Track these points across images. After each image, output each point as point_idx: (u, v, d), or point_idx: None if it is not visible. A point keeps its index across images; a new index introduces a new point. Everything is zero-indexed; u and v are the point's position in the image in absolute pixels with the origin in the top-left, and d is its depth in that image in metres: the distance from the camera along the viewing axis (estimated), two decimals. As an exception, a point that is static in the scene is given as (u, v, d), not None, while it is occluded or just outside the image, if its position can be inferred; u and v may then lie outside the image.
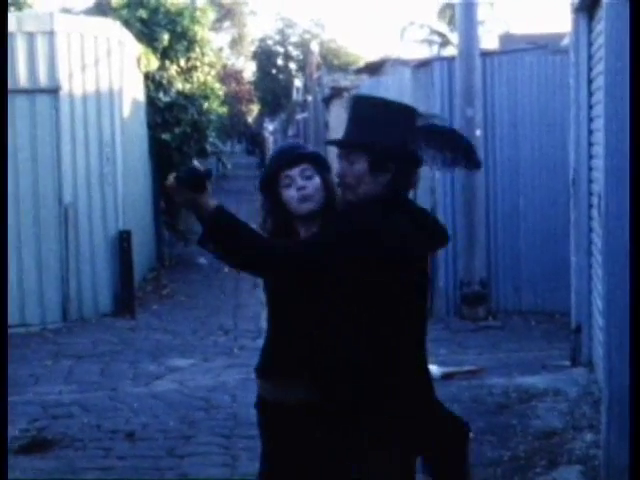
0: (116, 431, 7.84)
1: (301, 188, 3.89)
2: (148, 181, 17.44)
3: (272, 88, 69.83)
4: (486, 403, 8.21)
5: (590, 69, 8.69)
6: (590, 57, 8.69)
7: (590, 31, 8.69)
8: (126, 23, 16.38)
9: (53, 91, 12.81)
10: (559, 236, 12.42)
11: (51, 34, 12.75)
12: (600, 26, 7.08)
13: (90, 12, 19.29)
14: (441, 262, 13.42)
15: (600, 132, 6.65)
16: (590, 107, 8.69)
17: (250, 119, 72.56)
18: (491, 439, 7.16)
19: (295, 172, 3.93)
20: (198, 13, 19.07)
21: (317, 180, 3.91)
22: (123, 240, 13.47)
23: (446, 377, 9.28)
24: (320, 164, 3.98)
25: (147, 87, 17.18)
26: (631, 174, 5.03)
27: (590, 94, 8.68)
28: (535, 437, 7.10)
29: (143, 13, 17.54)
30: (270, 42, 72.26)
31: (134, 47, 15.80)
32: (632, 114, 4.96)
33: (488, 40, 37.06)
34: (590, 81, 8.68)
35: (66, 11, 21.84)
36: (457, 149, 3.84)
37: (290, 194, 3.91)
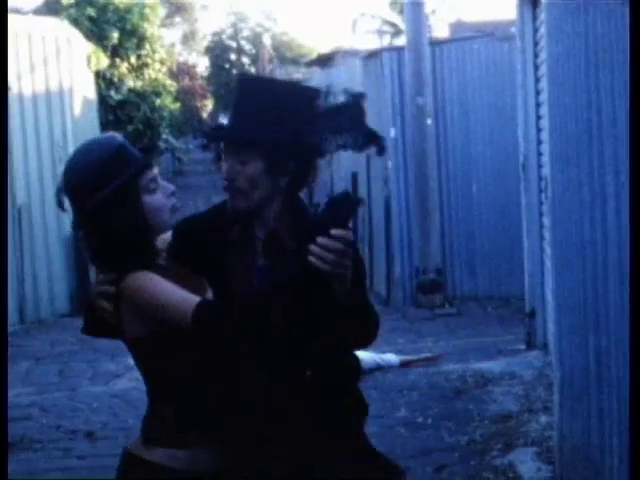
0: (76, 431, 7.83)
1: (172, 194, 3.09)
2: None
3: (225, 82, 69.63)
4: (443, 389, 8.29)
5: (536, 55, 8.78)
6: (536, 44, 8.79)
7: (535, 18, 8.78)
8: (75, 22, 16.32)
9: (2, 92, 12.73)
10: (513, 221, 12.52)
11: (-2, 35, 12.67)
12: (544, 13, 7.16)
13: (40, 11, 19.17)
14: (396, 251, 13.49)
15: (547, 118, 6.72)
16: (537, 93, 8.79)
17: (205, 114, 72.35)
18: (448, 424, 7.23)
19: (157, 173, 3.11)
20: (147, 10, 19.03)
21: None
22: (78, 240, 13.41)
23: (404, 365, 9.36)
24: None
25: (98, 85, 17.11)
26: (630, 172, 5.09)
27: (537, 80, 8.77)
28: (492, 421, 7.18)
29: (92, 11, 17.48)
30: (223, 37, 72.04)
31: (83, 46, 15.72)
32: (631, 109, 5.02)
33: (440, 29, 37.18)
34: (536, 67, 8.78)
35: (16, 11, 21.67)
36: (353, 128, 3.16)
37: (159, 202, 3.06)
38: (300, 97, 3.09)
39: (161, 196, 3.04)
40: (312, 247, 2.76)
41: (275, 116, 3.01)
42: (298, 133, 3.03)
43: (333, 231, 2.81)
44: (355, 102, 3.19)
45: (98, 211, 2.95)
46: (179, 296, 2.91)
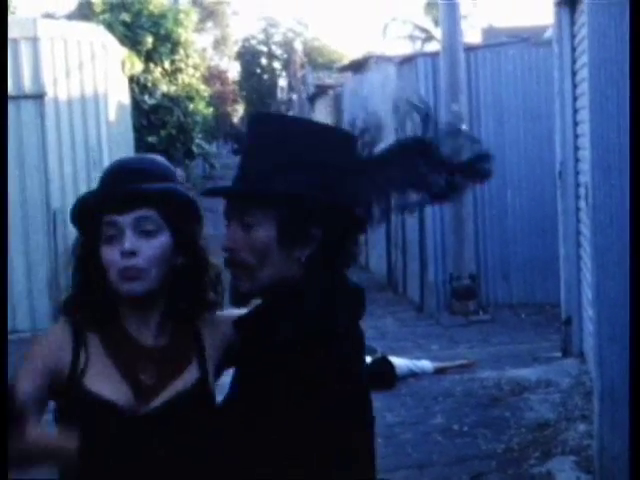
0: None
1: (127, 254, 2.35)
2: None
3: (257, 88, 69.77)
4: (479, 396, 8.24)
5: (574, 61, 8.71)
6: (573, 49, 8.72)
7: (573, 23, 8.72)
8: (109, 27, 16.38)
9: (38, 97, 12.78)
10: (547, 228, 12.43)
11: (34, 40, 12.73)
12: (583, 18, 7.11)
13: (72, 17, 19.28)
14: (431, 257, 13.44)
15: (585, 124, 6.67)
16: (575, 99, 8.72)
17: (236, 119, 72.53)
18: (485, 432, 7.19)
19: (126, 220, 2.36)
20: (181, 15, 19.09)
21: (163, 240, 2.38)
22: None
23: (439, 372, 9.32)
24: (176, 210, 2.40)
25: (132, 90, 17.17)
26: (631, 169, 5.05)
27: (574, 86, 8.71)
28: (528, 429, 7.13)
29: (126, 16, 17.55)
30: (254, 42, 72.20)
31: (118, 51, 15.78)
32: (632, 109, 4.99)
33: (471, 34, 37.13)
34: (574, 73, 8.71)
35: (48, 16, 21.82)
36: (444, 166, 2.32)
37: (109, 257, 2.37)
38: (329, 140, 2.28)
39: (114, 251, 2.36)
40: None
41: (295, 164, 2.21)
42: (329, 187, 2.21)
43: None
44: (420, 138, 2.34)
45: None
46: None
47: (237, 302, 2.33)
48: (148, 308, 2.41)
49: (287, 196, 2.19)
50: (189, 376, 2.39)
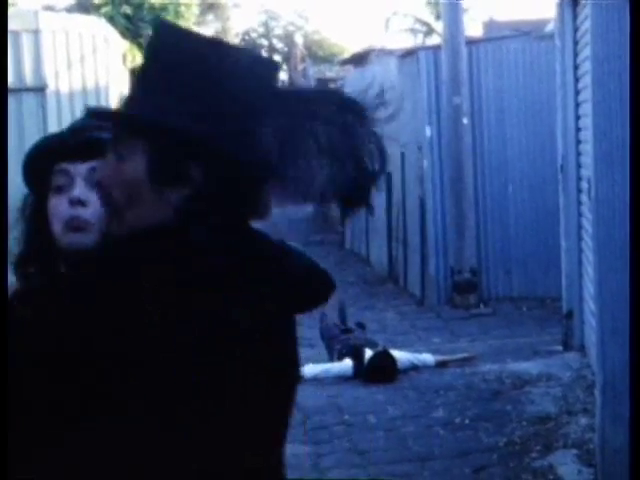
0: None
1: (76, 203, 2.18)
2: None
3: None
4: (480, 390, 8.25)
5: (576, 54, 8.71)
6: (576, 42, 8.72)
7: (575, 16, 8.71)
8: (110, 20, 16.38)
9: (40, 89, 12.80)
10: (549, 222, 12.43)
11: (36, 32, 12.73)
12: (585, 11, 7.11)
13: (72, 9, 19.27)
14: (432, 251, 13.44)
15: (588, 117, 6.68)
16: (577, 92, 8.72)
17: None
18: (486, 425, 7.20)
19: (79, 169, 2.20)
20: (182, 8, 19.08)
21: None
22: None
23: (440, 365, 9.33)
24: None
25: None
26: (629, 161, 5.06)
27: (576, 79, 8.70)
28: (530, 422, 7.14)
29: (127, 9, 17.55)
30: (254, 35, 72.16)
31: (119, 43, 15.78)
32: (632, 103, 4.99)
33: (472, 28, 37.08)
34: (576, 66, 8.71)
35: (49, 8, 21.79)
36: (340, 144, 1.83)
37: (56, 207, 2.21)
38: (242, 64, 1.85)
39: (61, 201, 2.17)
40: None
41: (183, 87, 1.81)
42: (218, 121, 1.81)
43: None
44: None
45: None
46: None
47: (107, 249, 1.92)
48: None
49: (155, 125, 1.80)
50: None
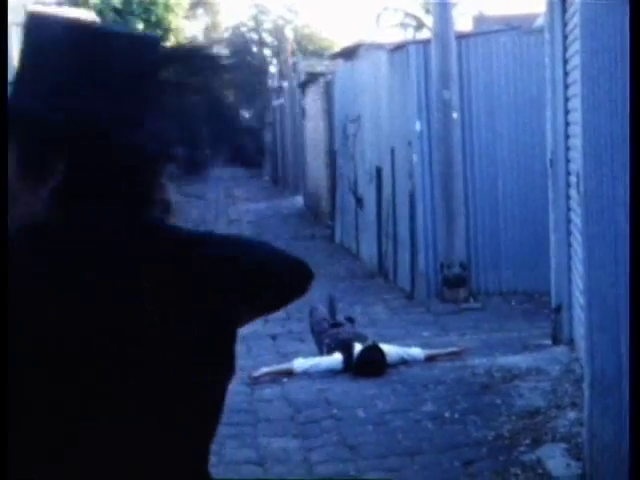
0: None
1: None
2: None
3: (247, 75, 69.70)
4: (469, 384, 8.26)
5: (565, 49, 8.71)
6: (565, 37, 8.72)
7: (564, 10, 8.71)
8: (100, 13, 16.33)
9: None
10: (538, 216, 12.45)
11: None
12: (575, 5, 7.12)
13: (63, 2, 19.20)
14: (421, 245, 13.45)
15: (577, 112, 6.67)
16: (566, 87, 8.72)
17: (226, 106, 72.19)
18: (475, 419, 7.22)
19: None
20: (172, 1, 19.04)
21: None
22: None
23: (429, 359, 9.34)
24: None
25: (123, 77, 17.13)
26: (631, 159, 5.06)
27: (566, 74, 8.71)
28: (519, 416, 7.16)
29: (117, 2, 17.50)
30: (244, 29, 72.05)
31: (108, 37, 15.74)
32: (632, 98, 4.99)
33: (462, 22, 37.08)
34: (565, 61, 8.71)
35: (39, 2, 21.72)
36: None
37: None
38: (117, 44, 1.78)
39: None
40: None
41: (52, 79, 1.75)
42: (85, 104, 1.73)
43: None
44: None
45: None
46: None
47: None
48: None
49: (15, 115, 1.73)
50: None
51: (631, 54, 3.45)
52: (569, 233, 8.87)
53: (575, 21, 6.98)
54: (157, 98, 1.76)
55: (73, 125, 1.70)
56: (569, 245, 8.91)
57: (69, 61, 1.74)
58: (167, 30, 18.55)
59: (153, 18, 18.09)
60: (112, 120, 1.71)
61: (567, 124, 8.75)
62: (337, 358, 9.10)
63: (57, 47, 1.76)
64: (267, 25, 71.89)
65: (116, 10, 17.34)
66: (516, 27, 13.76)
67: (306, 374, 8.89)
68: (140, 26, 17.67)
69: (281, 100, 43.09)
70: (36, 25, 1.82)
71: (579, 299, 7.60)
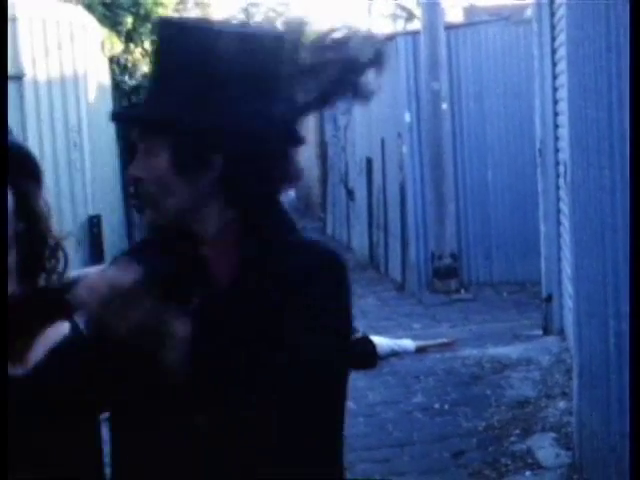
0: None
1: None
2: (116, 164, 17.34)
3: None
4: (460, 374, 8.27)
5: (553, 39, 8.72)
6: (553, 27, 8.73)
7: (552, 1, 8.72)
8: (88, 7, 16.26)
9: (17, 78, 12.70)
10: (528, 206, 12.46)
11: (13, 20, 12.62)
12: (561, -4, 7.11)
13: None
14: (412, 236, 13.45)
15: (565, 102, 6.68)
16: (554, 77, 8.73)
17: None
18: (466, 410, 7.22)
19: None
20: (161, -6, 18.96)
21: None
22: (93, 225, 13.43)
23: (420, 351, 9.34)
24: (17, 166, 2.15)
25: (112, 71, 17.07)
26: (629, 151, 5.06)
27: (554, 64, 8.71)
28: (509, 406, 7.17)
29: (105, -4, 17.44)
30: (235, 22, 71.90)
31: (97, 31, 15.68)
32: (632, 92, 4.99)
33: (452, 13, 37.00)
34: (553, 51, 8.72)
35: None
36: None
37: None
38: (255, 46, 2.01)
39: None
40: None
41: (195, 83, 1.97)
42: (231, 106, 1.97)
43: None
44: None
45: None
46: None
47: (150, 234, 2.15)
48: None
49: (172, 123, 1.98)
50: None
51: (631, 53, 3.44)
52: (559, 223, 8.88)
53: (562, 12, 6.98)
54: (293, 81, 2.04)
55: (229, 126, 1.96)
56: (559, 235, 8.92)
57: (213, 63, 1.95)
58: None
59: (142, 12, 18.02)
60: (257, 113, 1.96)
61: (556, 114, 8.76)
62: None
63: (199, 50, 1.96)
64: (258, 17, 71.79)
65: (105, 4, 17.28)
66: (505, 17, 13.75)
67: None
68: (129, 20, 17.62)
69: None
70: (172, 30, 2.04)
71: (569, 289, 7.61)
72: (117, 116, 2.32)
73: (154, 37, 2.08)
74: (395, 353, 9.23)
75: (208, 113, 1.96)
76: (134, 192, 2.06)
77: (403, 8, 44.02)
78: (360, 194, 16.70)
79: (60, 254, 2.26)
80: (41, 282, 2.19)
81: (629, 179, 3.96)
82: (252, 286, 1.98)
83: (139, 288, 1.78)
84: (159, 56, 2.06)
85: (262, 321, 1.92)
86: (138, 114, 2.10)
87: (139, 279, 1.78)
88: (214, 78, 1.95)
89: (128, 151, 2.23)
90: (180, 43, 1.98)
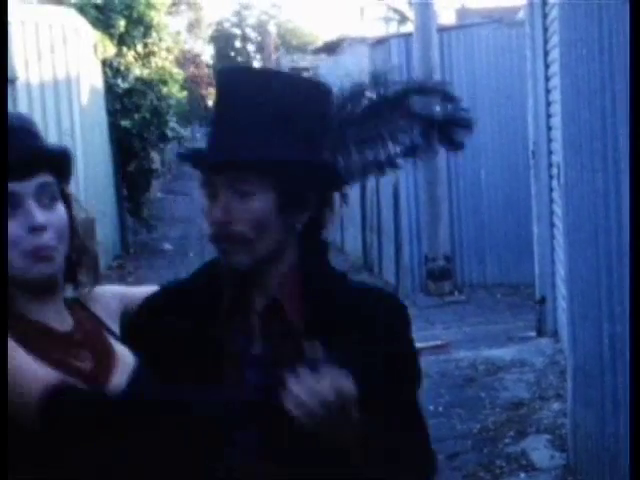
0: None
1: (38, 229, 1.94)
2: (110, 168, 17.36)
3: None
4: (454, 376, 8.27)
5: (546, 41, 8.72)
6: (545, 29, 8.73)
7: (545, 3, 8.72)
8: (81, 10, 16.26)
9: (10, 81, 12.70)
10: (521, 208, 12.47)
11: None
12: (554, -2, 7.12)
13: (45, 0, 19.13)
14: (405, 239, 13.46)
15: (558, 104, 6.69)
16: (547, 79, 8.73)
17: (210, 102, 72.20)
18: (460, 412, 7.22)
19: (28, 189, 1.95)
20: (154, -2, 18.99)
21: (62, 212, 2.01)
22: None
23: (414, 353, 9.34)
24: (69, 176, 2.07)
25: (105, 74, 17.08)
26: (630, 151, 5.07)
27: (547, 66, 8.72)
28: (503, 408, 7.17)
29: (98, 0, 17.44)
30: (227, 25, 71.91)
31: (90, 34, 15.69)
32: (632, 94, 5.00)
33: (445, 15, 37.06)
34: (546, 53, 8.72)
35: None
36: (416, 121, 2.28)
37: (14, 237, 1.94)
38: (313, 92, 2.08)
39: (16, 228, 1.93)
40: (290, 382, 1.81)
41: (284, 125, 2.00)
42: (317, 149, 2.05)
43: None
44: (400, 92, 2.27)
45: None
46: (32, 371, 1.87)
47: (233, 282, 2.05)
48: (53, 291, 2.02)
49: (289, 162, 2.00)
50: (122, 350, 2.08)
51: (631, 53, 3.45)
52: (552, 225, 8.88)
53: (555, 14, 6.99)
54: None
55: (321, 163, 2.07)
56: (552, 237, 8.92)
57: (285, 106, 2.01)
58: (149, 26, 18.49)
59: (135, 15, 18.03)
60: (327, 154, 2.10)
61: (549, 116, 8.76)
62: (322, 353, 9.09)
63: (269, 95, 2.00)
64: (250, 20, 71.74)
65: (97, 7, 17.27)
66: (498, 20, 13.78)
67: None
68: (122, 23, 17.62)
69: (265, 95, 42.92)
70: (249, 77, 2.09)
71: (563, 290, 7.62)
72: (216, 163, 2.04)
73: (222, 84, 2.10)
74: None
75: (308, 153, 2.02)
76: (217, 235, 2.01)
77: (396, 11, 44.10)
78: (354, 196, 16.70)
79: (95, 269, 2.17)
80: (67, 293, 2.10)
81: (629, 180, 3.97)
82: (329, 333, 1.95)
83: (354, 399, 1.85)
84: (228, 100, 2.05)
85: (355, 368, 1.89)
86: (245, 157, 2.00)
87: (354, 391, 1.84)
88: (302, 122, 2.02)
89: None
90: (251, 87, 2.02)
